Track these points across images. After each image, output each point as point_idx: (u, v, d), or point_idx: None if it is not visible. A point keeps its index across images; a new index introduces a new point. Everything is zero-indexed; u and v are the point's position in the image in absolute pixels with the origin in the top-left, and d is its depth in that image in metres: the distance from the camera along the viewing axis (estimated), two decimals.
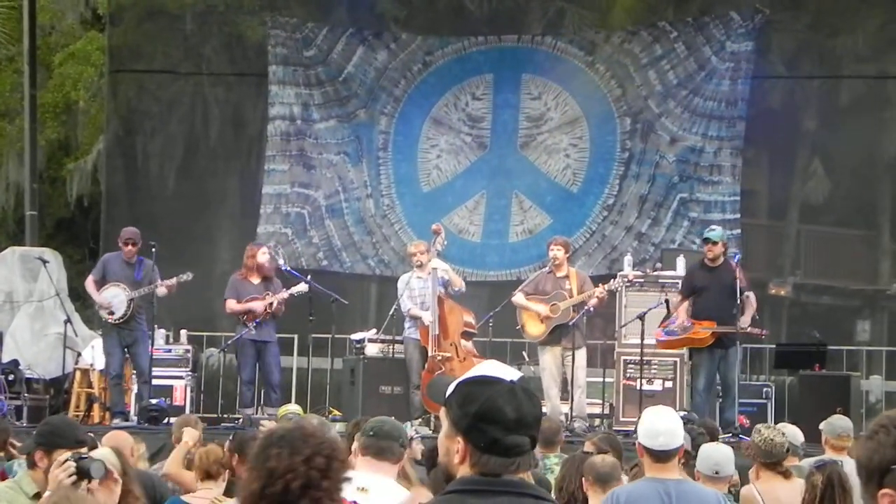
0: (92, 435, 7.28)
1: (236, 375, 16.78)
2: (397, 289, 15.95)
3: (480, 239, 21.27)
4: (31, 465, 6.34)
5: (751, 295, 14.65)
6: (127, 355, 15.83)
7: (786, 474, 8.43)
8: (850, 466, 8.83)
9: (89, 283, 15.82)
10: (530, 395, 3.48)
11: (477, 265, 20.85)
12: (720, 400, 15.02)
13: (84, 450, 5.88)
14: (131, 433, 9.43)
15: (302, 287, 15.95)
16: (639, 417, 14.03)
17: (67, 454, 5.60)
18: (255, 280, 15.98)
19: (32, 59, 22.03)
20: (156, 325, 16.47)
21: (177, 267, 16.22)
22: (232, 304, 15.97)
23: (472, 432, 3.44)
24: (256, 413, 15.83)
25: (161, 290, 15.61)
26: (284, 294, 15.87)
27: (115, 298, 15.50)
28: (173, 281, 15.67)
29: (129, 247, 15.60)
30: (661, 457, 6.28)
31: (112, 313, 15.43)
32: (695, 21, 21.06)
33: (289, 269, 16.80)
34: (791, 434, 9.43)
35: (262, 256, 16.05)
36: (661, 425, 6.30)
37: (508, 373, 3.52)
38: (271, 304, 15.75)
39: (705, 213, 20.42)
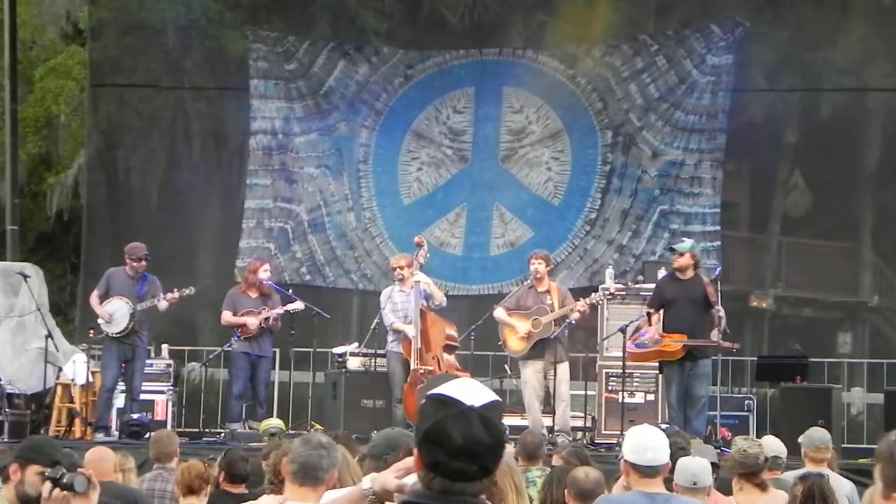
0: (75, 454, 7.23)
1: (218, 390, 16.79)
2: (380, 302, 15.95)
3: (461, 252, 21.27)
4: (6, 478, 6.33)
5: (720, 309, 14.57)
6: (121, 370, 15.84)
7: (762, 486, 8.46)
8: (834, 479, 8.88)
9: (93, 298, 15.86)
10: (488, 424, 3.37)
11: (458, 279, 20.84)
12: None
13: (59, 468, 5.86)
14: (113, 448, 9.40)
15: (298, 305, 16.03)
16: (621, 431, 14.15)
17: (39, 469, 5.63)
18: (253, 294, 16.06)
19: (13, 74, 21.96)
20: (146, 341, 16.47)
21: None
22: (227, 316, 16.07)
23: (421, 449, 3.43)
24: (242, 428, 15.81)
25: (162, 305, 15.64)
26: (280, 310, 15.90)
27: (117, 311, 15.53)
28: (175, 294, 15.70)
29: (143, 263, 15.64)
30: (648, 473, 6.29)
31: (110, 324, 15.45)
32: (675, 34, 21.11)
33: (271, 283, 16.79)
34: (774, 447, 9.45)
35: (263, 273, 16.13)
36: (649, 441, 6.32)
37: (477, 395, 3.43)
38: (266, 319, 15.81)
39: (686, 225, 20.44)
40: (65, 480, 5.44)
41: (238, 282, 17.50)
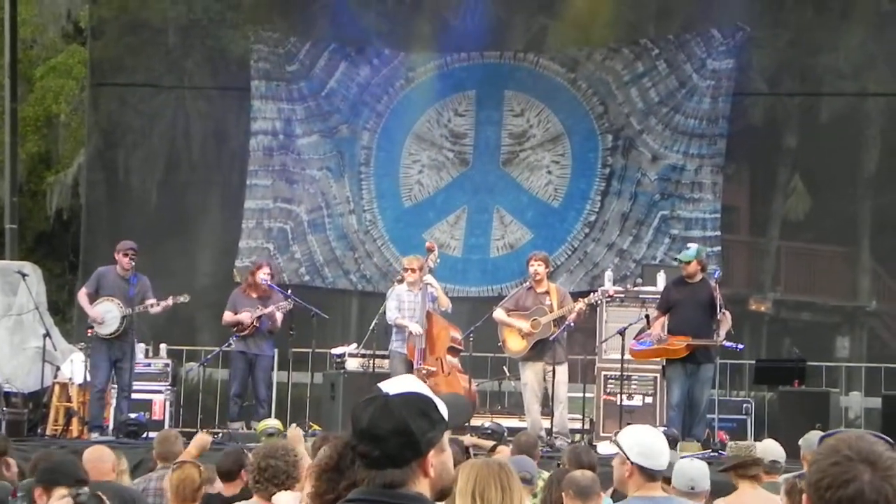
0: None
1: (216, 390, 16.79)
2: (386, 297, 15.96)
3: (461, 254, 21.27)
4: (31, 502, 6.33)
5: (727, 312, 14.64)
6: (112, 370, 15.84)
7: (753, 484, 8.49)
8: None
9: (82, 296, 15.85)
10: (391, 409, 3.40)
11: (458, 280, 20.82)
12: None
13: (85, 489, 5.89)
14: (111, 448, 9.40)
15: (286, 304, 16.07)
16: (617, 434, 14.11)
17: (65, 491, 5.65)
18: (254, 295, 16.16)
19: (13, 73, 21.95)
20: (135, 340, 16.46)
21: (157, 281, 16.21)
22: (226, 316, 16.26)
23: None
24: (243, 428, 15.82)
25: (155, 310, 15.64)
26: (269, 310, 15.93)
27: (108, 314, 15.52)
28: (169, 301, 15.72)
29: (130, 258, 15.56)
30: (656, 476, 6.32)
31: (101, 325, 15.45)
32: (676, 38, 21.11)
33: (271, 285, 16.80)
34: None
35: (263, 275, 16.17)
36: (658, 445, 6.34)
37: (400, 387, 3.49)
38: (260, 317, 15.85)
39: (686, 231, 20.45)
40: (80, 501, 5.47)
41: (238, 282, 17.58)
